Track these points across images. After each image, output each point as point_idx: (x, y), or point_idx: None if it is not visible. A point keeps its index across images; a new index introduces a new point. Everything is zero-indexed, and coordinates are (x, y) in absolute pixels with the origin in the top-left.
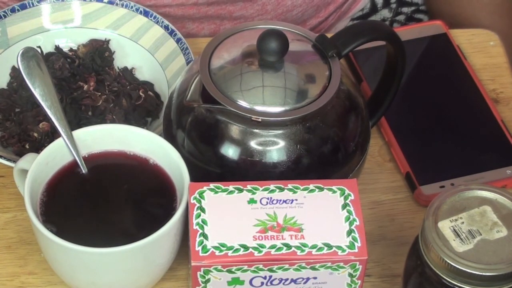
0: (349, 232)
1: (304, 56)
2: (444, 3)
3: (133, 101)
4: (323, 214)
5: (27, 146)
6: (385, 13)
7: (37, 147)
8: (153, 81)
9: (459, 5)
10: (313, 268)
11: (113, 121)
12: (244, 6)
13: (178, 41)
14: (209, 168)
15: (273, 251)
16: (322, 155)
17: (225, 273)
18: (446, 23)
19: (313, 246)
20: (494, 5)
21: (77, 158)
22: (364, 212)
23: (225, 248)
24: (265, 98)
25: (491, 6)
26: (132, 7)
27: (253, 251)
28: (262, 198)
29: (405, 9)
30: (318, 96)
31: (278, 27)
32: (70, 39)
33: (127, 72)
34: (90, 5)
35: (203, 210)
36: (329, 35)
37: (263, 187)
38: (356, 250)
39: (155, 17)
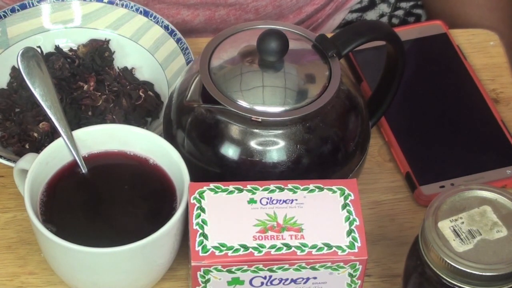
0: (349, 232)
1: (304, 56)
2: (436, 0)
3: (133, 101)
4: (323, 214)
5: (27, 146)
6: (384, 8)
7: (37, 147)
8: (153, 81)
9: (449, 0)
10: (313, 268)
11: (113, 121)
12: None
13: (178, 41)
14: (209, 168)
15: (273, 251)
16: (322, 155)
17: (225, 273)
18: (439, 20)
19: (313, 246)
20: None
21: (77, 158)
22: (364, 212)
23: (225, 248)
24: (265, 98)
25: (481, 1)
26: (132, 7)
27: (253, 251)
28: (262, 198)
29: (403, 4)
30: (318, 96)
31: (278, 27)
32: (70, 39)
33: (127, 72)
34: (90, 5)
35: (203, 210)
36: (329, 35)
37: (263, 187)
38: (356, 250)
39: (155, 17)
